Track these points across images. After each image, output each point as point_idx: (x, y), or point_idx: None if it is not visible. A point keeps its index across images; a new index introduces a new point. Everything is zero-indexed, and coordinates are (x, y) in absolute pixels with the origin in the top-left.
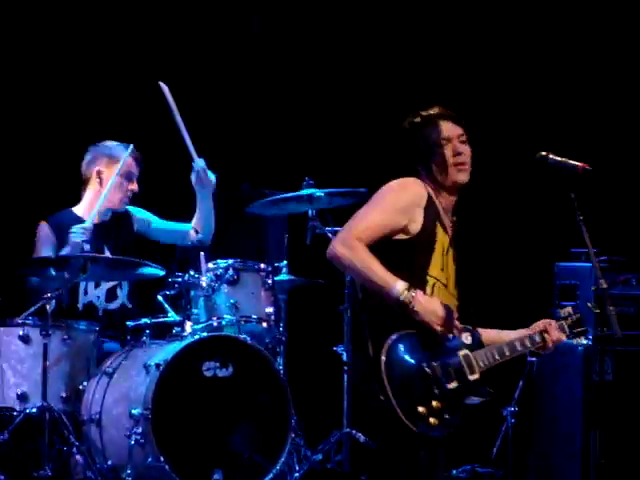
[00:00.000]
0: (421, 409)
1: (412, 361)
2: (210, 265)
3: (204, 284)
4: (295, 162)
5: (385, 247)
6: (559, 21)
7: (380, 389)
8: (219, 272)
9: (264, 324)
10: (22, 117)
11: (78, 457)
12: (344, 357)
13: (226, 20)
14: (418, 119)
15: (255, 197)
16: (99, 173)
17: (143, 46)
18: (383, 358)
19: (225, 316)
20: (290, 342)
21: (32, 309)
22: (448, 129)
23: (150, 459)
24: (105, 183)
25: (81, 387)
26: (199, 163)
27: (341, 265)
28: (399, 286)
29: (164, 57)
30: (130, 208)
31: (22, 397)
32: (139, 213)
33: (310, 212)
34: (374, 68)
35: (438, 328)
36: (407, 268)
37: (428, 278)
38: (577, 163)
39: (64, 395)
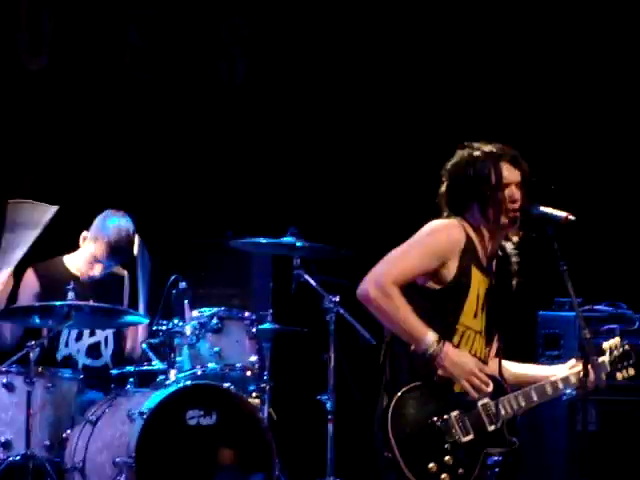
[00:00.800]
0: (431, 465)
1: (422, 415)
2: (194, 313)
3: (188, 332)
4: (280, 211)
5: (415, 293)
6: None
7: (387, 446)
8: (203, 320)
9: (248, 372)
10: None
11: None
12: (328, 406)
13: (208, 67)
14: (479, 154)
15: (239, 245)
16: (83, 239)
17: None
18: (390, 414)
19: (209, 364)
20: (274, 390)
21: (15, 357)
22: (509, 172)
23: None
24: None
25: (64, 435)
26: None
27: (371, 307)
28: (429, 338)
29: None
30: (126, 278)
31: (6, 445)
32: (129, 288)
33: (295, 261)
34: (359, 119)
35: (465, 384)
36: (436, 317)
37: (458, 327)
38: (561, 213)
39: (48, 443)
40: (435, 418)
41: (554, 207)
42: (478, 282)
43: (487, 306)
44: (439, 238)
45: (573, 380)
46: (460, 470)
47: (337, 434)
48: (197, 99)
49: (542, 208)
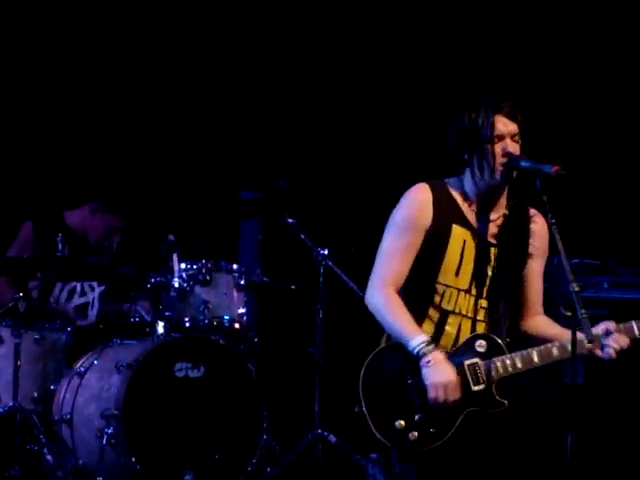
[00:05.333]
0: (400, 423)
1: (398, 373)
2: (183, 266)
3: (176, 284)
4: (270, 163)
5: None
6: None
7: (357, 401)
8: (191, 272)
9: (236, 325)
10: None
11: (49, 457)
12: (317, 358)
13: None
14: (471, 109)
15: (228, 197)
16: (94, 210)
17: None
18: (364, 369)
19: (197, 316)
20: (263, 343)
21: (3, 309)
22: (503, 125)
23: (121, 459)
24: (93, 222)
25: (52, 387)
26: None
27: (374, 315)
28: (417, 340)
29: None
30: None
31: None
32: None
33: (284, 214)
34: (350, 70)
35: (431, 391)
36: (416, 278)
37: (437, 286)
38: (550, 166)
39: (35, 395)
40: (409, 376)
41: (544, 160)
42: (460, 240)
43: (481, 266)
44: (406, 213)
45: (587, 344)
46: (432, 429)
47: (325, 387)
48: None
49: (530, 160)
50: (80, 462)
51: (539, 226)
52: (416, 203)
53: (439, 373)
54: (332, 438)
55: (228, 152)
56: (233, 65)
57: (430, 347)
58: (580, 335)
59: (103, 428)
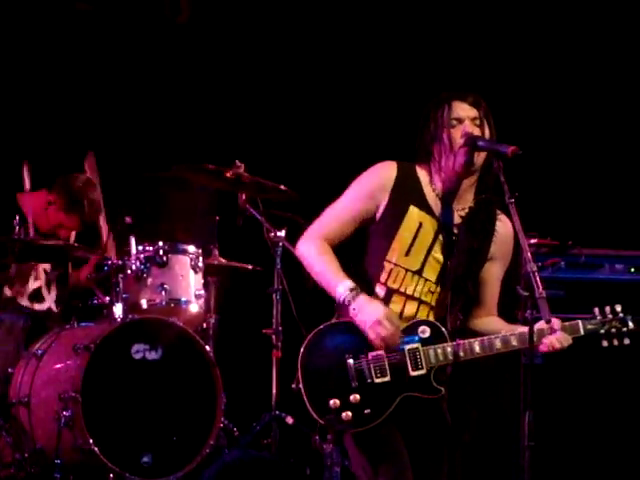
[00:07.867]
0: (334, 402)
1: (338, 352)
2: (139, 248)
3: (133, 267)
4: (225, 145)
5: (365, 238)
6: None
7: (296, 378)
8: (148, 255)
9: (193, 307)
10: None
11: (7, 440)
12: (273, 340)
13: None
14: (434, 103)
15: (185, 179)
16: (49, 203)
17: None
18: (304, 346)
19: (154, 299)
20: (220, 325)
21: None
22: (461, 109)
23: (79, 442)
24: (46, 213)
25: (10, 370)
26: None
27: (302, 262)
28: (342, 287)
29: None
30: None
31: None
32: None
33: (240, 196)
34: (312, 50)
35: (369, 332)
36: (369, 255)
37: (385, 264)
38: (507, 146)
39: None
40: (348, 356)
41: (504, 142)
42: (415, 221)
43: (435, 251)
44: (364, 181)
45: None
46: (366, 410)
47: (282, 368)
48: (144, 31)
49: (487, 141)
50: (38, 445)
51: (505, 230)
52: (376, 177)
53: (368, 314)
54: (289, 419)
55: (182, 133)
56: (183, 51)
57: (353, 294)
58: (511, 331)
59: (61, 411)
